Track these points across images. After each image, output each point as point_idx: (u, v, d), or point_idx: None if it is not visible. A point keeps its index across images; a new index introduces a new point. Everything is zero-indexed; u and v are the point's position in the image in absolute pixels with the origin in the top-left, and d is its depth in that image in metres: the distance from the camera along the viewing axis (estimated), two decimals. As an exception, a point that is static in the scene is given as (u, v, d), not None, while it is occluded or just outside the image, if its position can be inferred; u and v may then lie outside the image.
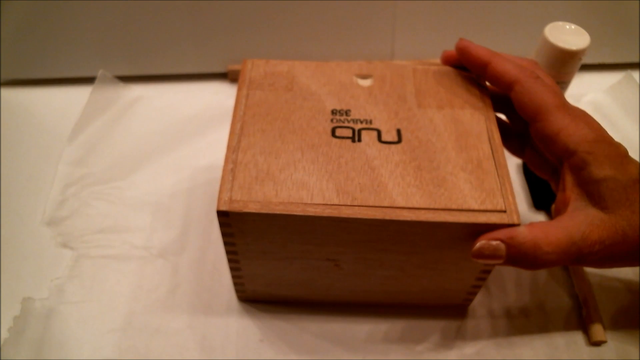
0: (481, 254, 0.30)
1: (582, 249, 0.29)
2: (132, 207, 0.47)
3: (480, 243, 0.30)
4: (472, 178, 0.31)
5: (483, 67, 0.35)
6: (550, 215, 0.46)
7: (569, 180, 0.32)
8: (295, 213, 0.29)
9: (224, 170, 0.31)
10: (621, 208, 0.30)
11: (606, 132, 0.32)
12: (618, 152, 0.31)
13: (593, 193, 0.30)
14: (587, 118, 0.32)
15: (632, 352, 0.38)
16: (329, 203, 0.30)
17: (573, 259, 0.30)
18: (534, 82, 0.33)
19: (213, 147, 0.51)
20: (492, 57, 0.34)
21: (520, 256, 0.29)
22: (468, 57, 0.35)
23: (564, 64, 0.42)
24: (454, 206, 0.30)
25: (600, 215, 0.30)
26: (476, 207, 0.30)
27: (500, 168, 0.32)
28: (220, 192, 0.30)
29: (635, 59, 0.59)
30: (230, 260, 0.35)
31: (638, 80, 0.55)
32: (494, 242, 0.29)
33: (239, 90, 0.36)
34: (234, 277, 0.37)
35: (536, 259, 0.29)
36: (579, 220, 0.30)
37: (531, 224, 0.30)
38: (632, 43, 0.58)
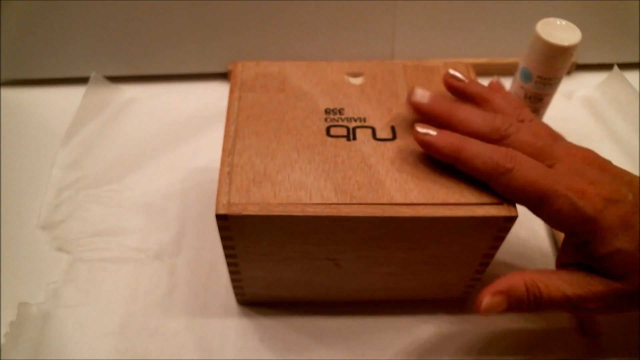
0: (487, 311, 0.30)
1: (579, 305, 0.30)
2: (127, 210, 0.47)
3: (485, 302, 0.30)
4: None
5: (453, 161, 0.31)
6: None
7: (570, 249, 0.31)
8: (294, 214, 0.29)
9: (221, 173, 0.31)
10: (632, 276, 0.28)
11: (609, 182, 0.29)
12: (623, 213, 0.28)
13: (596, 266, 0.30)
14: (586, 172, 0.29)
15: (632, 352, 0.38)
16: (327, 202, 0.30)
17: (570, 310, 0.31)
18: (509, 176, 0.29)
19: (208, 148, 0.51)
20: (457, 155, 0.30)
21: (519, 306, 0.30)
22: (435, 156, 0.31)
23: (556, 59, 0.42)
24: (451, 200, 0.30)
25: (605, 280, 0.29)
26: (474, 200, 0.30)
27: None
28: (218, 195, 0.30)
29: (634, 59, 0.59)
30: (229, 264, 0.35)
31: (635, 80, 0.55)
32: (496, 299, 0.30)
33: (231, 92, 0.36)
34: (233, 281, 0.37)
35: (531, 310, 0.30)
36: (578, 282, 0.30)
37: (531, 275, 0.30)
38: (629, 42, 0.58)
